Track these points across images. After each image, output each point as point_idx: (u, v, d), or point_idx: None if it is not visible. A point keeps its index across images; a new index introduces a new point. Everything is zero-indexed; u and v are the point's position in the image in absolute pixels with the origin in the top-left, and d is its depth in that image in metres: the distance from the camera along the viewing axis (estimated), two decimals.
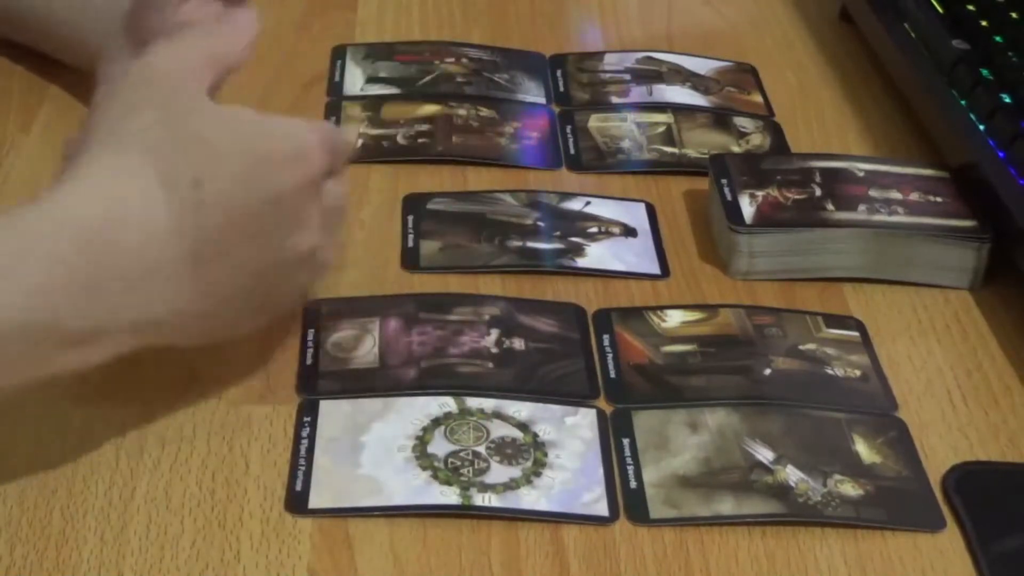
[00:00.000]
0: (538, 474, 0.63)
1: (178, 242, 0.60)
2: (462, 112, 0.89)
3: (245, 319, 0.65)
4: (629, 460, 0.64)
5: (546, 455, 0.64)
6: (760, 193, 0.79)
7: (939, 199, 0.79)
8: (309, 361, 0.69)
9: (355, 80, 0.92)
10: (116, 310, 0.59)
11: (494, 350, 0.70)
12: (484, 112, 0.89)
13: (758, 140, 0.89)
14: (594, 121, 0.90)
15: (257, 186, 0.61)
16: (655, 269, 0.78)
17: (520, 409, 0.67)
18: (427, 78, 0.93)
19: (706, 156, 0.84)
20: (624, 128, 0.89)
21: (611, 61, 0.97)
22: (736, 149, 0.87)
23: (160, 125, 0.61)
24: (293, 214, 0.63)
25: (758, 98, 0.94)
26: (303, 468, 0.63)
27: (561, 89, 0.93)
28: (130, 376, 0.67)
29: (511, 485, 0.62)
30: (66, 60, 0.89)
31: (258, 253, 0.62)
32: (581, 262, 0.77)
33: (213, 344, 0.65)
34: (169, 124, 0.62)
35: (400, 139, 0.86)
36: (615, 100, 0.92)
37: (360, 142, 0.85)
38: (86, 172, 0.61)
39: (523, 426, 0.66)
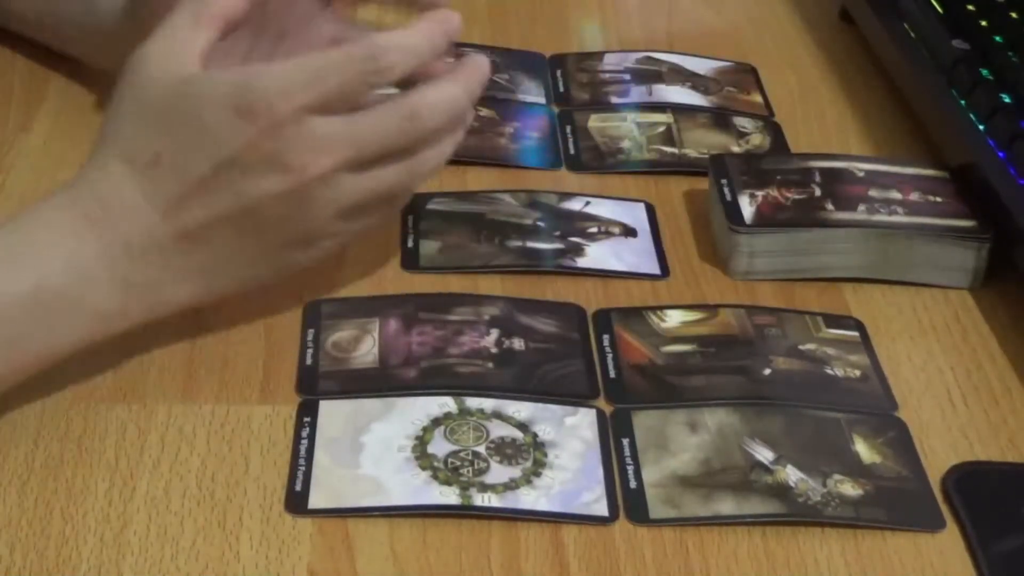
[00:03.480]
0: (538, 474, 0.63)
1: (157, 218, 0.64)
2: None
3: (259, 269, 0.67)
4: (629, 460, 0.64)
5: (546, 455, 0.64)
6: (760, 193, 0.79)
7: (939, 199, 0.79)
8: (309, 361, 0.69)
9: None
10: (132, 279, 0.64)
11: (494, 350, 0.70)
12: (484, 112, 0.89)
13: (758, 140, 0.89)
14: (594, 121, 0.90)
15: (205, 152, 0.64)
16: (655, 269, 0.78)
17: (520, 409, 0.67)
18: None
19: (706, 156, 0.84)
20: (624, 128, 0.89)
21: (611, 61, 0.97)
22: (736, 149, 0.87)
23: (127, 107, 0.65)
24: (255, 167, 0.64)
25: (758, 98, 0.94)
26: (303, 468, 0.63)
27: (561, 89, 0.93)
28: (130, 376, 0.67)
29: (511, 485, 0.62)
30: (71, 53, 0.89)
31: (236, 214, 0.64)
32: (581, 262, 0.77)
33: (234, 296, 0.68)
34: (134, 103, 0.65)
35: None
36: (615, 100, 0.92)
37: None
38: (80, 171, 0.66)
39: (523, 426, 0.66)
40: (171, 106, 0.64)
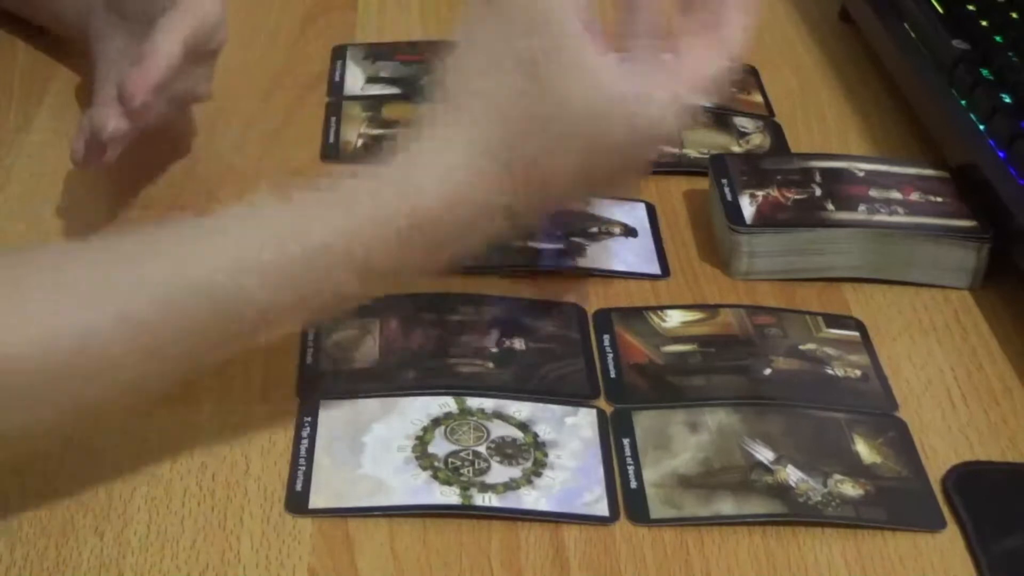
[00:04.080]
0: (538, 474, 0.63)
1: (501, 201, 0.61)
2: None
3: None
4: (629, 460, 0.64)
5: (546, 455, 0.64)
6: (760, 193, 0.79)
7: (939, 199, 0.79)
8: (309, 361, 0.69)
9: (355, 80, 0.92)
10: (426, 261, 0.62)
11: (494, 350, 0.70)
12: None
13: (758, 140, 0.89)
14: None
15: (594, 171, 0.63)
16: (655, 269, 0.78)
17: (520, 409, 0.67)
18: (428, 78, 0.93)
19: (706, 156, 0.84)
20: None
21: None
22: (736, 149, 0.87)
23: (515, 93, 0.61)
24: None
25: (758, 98, 0.94)
26: (303, 468, 0.63)
27: None
28: None
29: (511, 485, 0.62)
30: (54, 30, 0.89)
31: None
32: (581, 262, 0.77)
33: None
34: (525, 94, 0.60)
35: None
36: None
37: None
38: (428, 136, 0.62)
39: (523, 426, 0.66)
40: (572, 120, 0.61)
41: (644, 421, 0.67)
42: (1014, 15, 0.90)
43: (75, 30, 0.86)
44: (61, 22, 0.88)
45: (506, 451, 0.64)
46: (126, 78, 0.71)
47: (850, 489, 0.63)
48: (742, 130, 0.89)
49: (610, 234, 0.79)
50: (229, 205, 0.62)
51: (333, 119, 0.88)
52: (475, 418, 0.66)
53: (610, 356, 0.70)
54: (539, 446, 0.65)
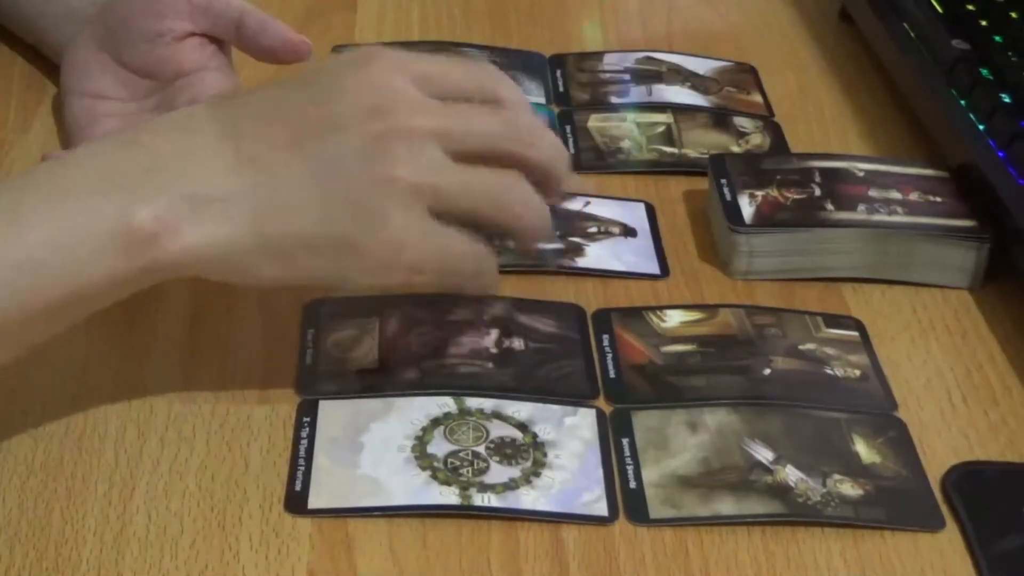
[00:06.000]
0: (537, 474, 0.63)
1: (215, 126, 0.61)
2: None
3: (316, 227, 0.61)
4: (629, 460, 0.64)
5: (545, 455, 0.64)
6: (760, 193, 0.79)
7: (939, 199, 0.79)
8: (309, 361, 0.69)
9: None
10: (172, 185, 0.59)
11: (493, 350, 0.70)
12: None
13: (758, 140, 0.89)
14: (594, 121, 0.90)
15: (306, 86, 0.62)
16: (655, 269, 0.78)
17: (519, 409, 0.67)
18: None
19: (706, 156, 0.84)
20: (624, 128, 0.89)
21: (611, 61, 0.97)
22: (736, 149, 0.88)
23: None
24: (345, 104, 0.61)
25: (758, 98, 0.94)
26: (302, 468, 0.63)
27: (561, 89, 0.93)
28: (130, 376, 0.67)
29: (510, 485, 0.62)
30: (41, 51, 0.89)
31: (302, 136, 0.61)
32: (581, 262, 0.77)
33: (290, 278, 0.62)
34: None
35: None
36: (615, 100, 0.92)
37: None
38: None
39: (522, 426, 0.66)
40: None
41: (643, 421, 0.67)
42: (1014, 15, 0.90)
43: (55, 56, 0.86)
44: (44, 43, 0.87)
45: (505, 451, 0.64)
46: None
47: (849, 489, 0.63)
48: (741, 130, 0.90)
49: (609, 234, 0.79)
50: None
51: None
52: (474, 418, 0.66)
53: (609, 356, 0.70)
54: (538, 446, 0.65)
